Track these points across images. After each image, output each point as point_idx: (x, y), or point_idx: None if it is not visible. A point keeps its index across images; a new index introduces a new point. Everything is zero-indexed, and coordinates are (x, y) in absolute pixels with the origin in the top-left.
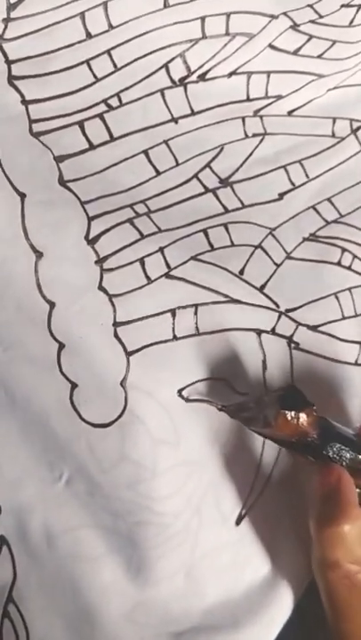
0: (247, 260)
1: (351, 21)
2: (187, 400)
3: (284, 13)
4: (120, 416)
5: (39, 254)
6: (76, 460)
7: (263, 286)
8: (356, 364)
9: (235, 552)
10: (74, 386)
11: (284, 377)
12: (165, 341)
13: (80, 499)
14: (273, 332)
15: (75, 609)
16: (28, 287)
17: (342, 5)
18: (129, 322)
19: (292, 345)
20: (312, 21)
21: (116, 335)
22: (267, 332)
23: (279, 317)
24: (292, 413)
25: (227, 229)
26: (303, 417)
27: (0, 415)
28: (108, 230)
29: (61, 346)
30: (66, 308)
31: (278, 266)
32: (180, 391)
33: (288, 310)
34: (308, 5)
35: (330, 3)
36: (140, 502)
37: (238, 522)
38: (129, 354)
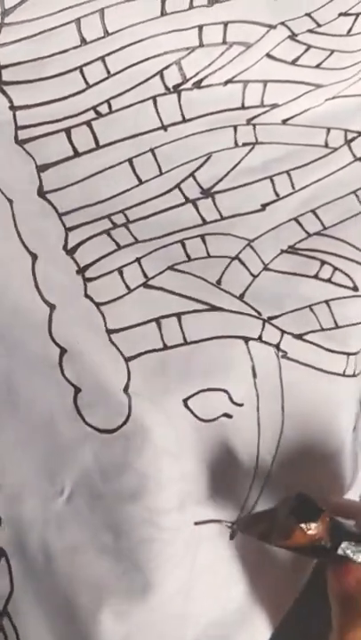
0: (223, 272)
1: (349, 30)
2: (196, 523)
3: (282, 23)
4: (125, 423)
5: (34, 255)
6: (80, 467)
7: (242, 295)
8: (344, 374)
9: (230, 567)
10: (77, 390)
11: (273, 386)
12: (157, 350)
13: (81, 516)
14: (260, 339)
15: (69, 630)
16: (27, 288)
17: (340, 14)
18: (120, 329)
19: (280, 353)
20: (310, 31)
21: (111, 341)
22: (254, 339)
23: (264, 325)
24: (309, 525)
25: (203, 241)
26: (318, 525)
27: (4, 418)
28: (84, 241)
29: (63, 351)
30: (65, 310)
31: (255, 277)
32: (185, 401)
33: (270, 318)
34: (307, 14)
35: (328, 11)
36: (143, 516)
37: (232, 536)
38: (127, 359)
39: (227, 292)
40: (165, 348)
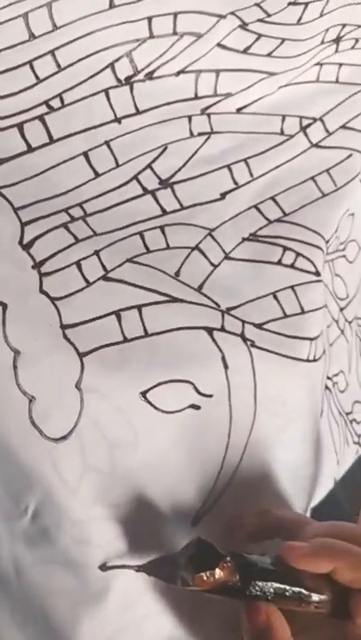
0: (182, 263)
1: (299, 19)
2: (105, 569)
3: (232, 13)
4: (77, 423)
5: None
6: (43, 485)
7: (200, 287)
8: (308, 360)
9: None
10: (31, 400)
11: (245, 376)
12: (116, 343)
13: (48, 534)
14: (223, 329)
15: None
16: None
17: (289, 3)
18: (76, 324)
19: (248, 342)
20: (260, 20)
21: (65, 337)
22: (217, 329)
23: (223, 316)
24: (208, 573)
25: (163, 232)
26: (219, 572)
27: None
28: (41, 235)
29: (17, 354)
30: (18, 308)
31: (215, 267)
32: (143, 394)
33: (229, 309)
34: (256, 4)
35: (277, 1)
36: (108, 515)
37: (195, 522)
38: (82, 355)
39: (185, 285)
40: (125, 340)
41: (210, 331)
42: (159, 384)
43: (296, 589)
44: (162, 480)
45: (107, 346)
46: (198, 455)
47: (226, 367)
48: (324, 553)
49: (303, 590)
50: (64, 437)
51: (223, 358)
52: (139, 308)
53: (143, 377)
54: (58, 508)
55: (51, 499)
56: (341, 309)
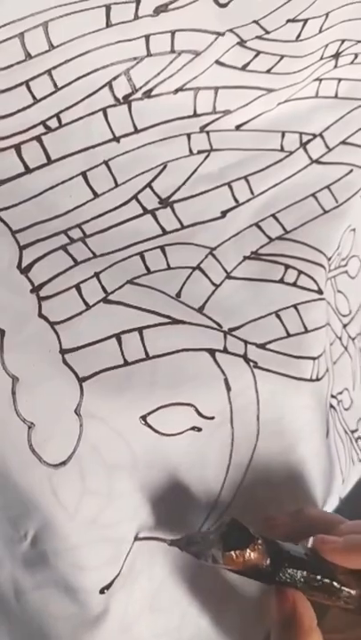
0: (183, 283)
1: (298, 36)
2: (137, 539)
3: (231, 30)
4: (76, 448)
5: None
6: (42, 511)
7: (202, 308)
8: (311, 379)
9: (193, 576)
10: (30, 427)
11: (248, 397)
12: (117, 367)
13: (47, 559)
14: (226, 350)
15: None
16: None
17: (288, 20)
18: (75, 349)
19: (251, 363)
20: (259, 37)
21: (65, 362)
22: (220, 350)
23: (225, 337)
24: (237, 552)
25: (163, 252)
26: (249, 553)
27: None
28: (40, 258)
29: (15, 380)
30: (16, 334)
31: (217, 286)
32: (143, 417)
33: (231, 329)
34: (254, 21)
35: (276, 18)
36: (103, 537)
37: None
38: (81, 380)
39: (186, 305)
40: (126, 364)
41: (212, 352)
42: (160, 407)
43: (327, 581)
44: (161, 501)
45: (107, 370)
46: (199, 476)
47: (228, 389)
48: (358, 549)
49: (334, 583)
50: (63, 463)
51: (226, 380)
52: (140, 330)
53: (144, 400)
54: (56, 534)
55: (49, 525)
56: (345, 326)
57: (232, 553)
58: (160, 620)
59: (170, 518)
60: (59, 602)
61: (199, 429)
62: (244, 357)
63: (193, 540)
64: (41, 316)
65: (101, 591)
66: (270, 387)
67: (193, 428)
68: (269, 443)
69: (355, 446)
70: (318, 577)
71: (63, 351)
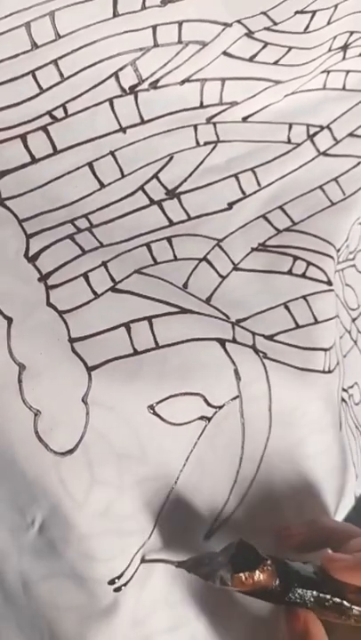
0: (190, 274)
1: (306, 27)
2: (143, 561)
3: (238, 21)
4: (82, 436)
5: None
6: (49, 499)
7: (209, 299)
8: (323, 371)
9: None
10: (37, 414)
11: (259, 389)
12: (126, 356)
13: (55, 547)
14: (235, 341)
15: None
16: None
17: (297, 12)
18: (84, 337)
19: (261, 354)
20: (267, 28)
21: (74, 351)
22: (229, 340)
23: (233, 327)
24: (247, 574)
25: (170, 243)
26: (258, 574)
27: None
28: (47, 247)
29: (22, 368)
30: (23, 321)
31: (224, 278)
32: (151, 407)
33: (238, 321)
34: (262, 12)
35: (284, 9)
36: (112, 529)
37: (208, 536)
38: (90, 369)
39: (194, 296)
40: (136, 353)
41: (222, 342)
42: (169, 397)
43: (337, 600)
44: (171, 493)
45: (117, 359)
46: (209, 468)
47: (238, 379)
48: None
49: (345, 602)
50: (70, 451)
51: (236, 370)
52: (149, 319)
53: (154, 390)
54: (64, 522)
55: (57, 512)
56: (353, 320)
57: (241, 575)
58: (176, 613)
59: (180, 514)
60: (67, 592)
61: (207, 419)
62: (253, 348)
63: (201, 562)
64: (49, 304)
65: (110, 582)
66: (282, 377)
67: (202, 418)
68: (282, 435)
69: None
70: (328, 596)
71: (72, 340)
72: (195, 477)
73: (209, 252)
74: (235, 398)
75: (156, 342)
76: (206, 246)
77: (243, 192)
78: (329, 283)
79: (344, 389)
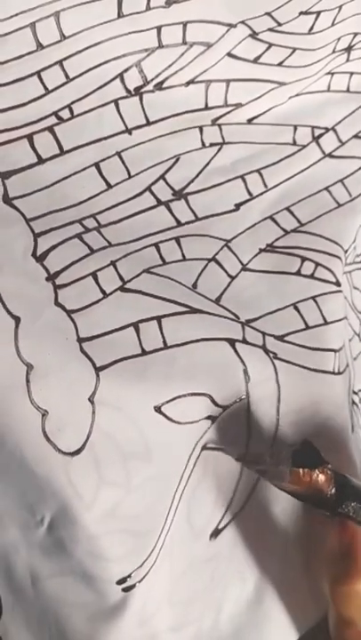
0: (199, 274)
1: (311, 28)
2: (205, 448)
3: (243, 22)
4: (89, 435)
5: None
6: (58, 499)
7: (218, 299)
8: (333, 372)
9: (212, 569)
10: (44, 415)
11: (268, 389)
12: (134, 356)
13: (64, 545)
14: (245, 341)
15: None
16: None
17: (301, 12)
18: (93, 337)
19: (271, 354)
20: (271, 29)
21: (82, 350)
22: (239, 340)
23: (243, 328)
24: (305, 471)
25: (178, 243)
26: (317, 474)
27: None
28: (55, 247)
29: (30, 368)
30: (32, 322)
31: (233, 278)
32: (158, 407)
33: (248, 321)
34: (267, 13)
35: (288, 10)
36: (121, 528)
37: (215, 535)
38: (98, 369)
39: (203, 296)
40: (144, 353)
41: (232, 342)
42: (176, 397)
43: None
44: (178, 491)
45: (125, 359)
46: (214, 466)
47: (248, 379)
48: None
49: None
50: (78, 451)
51: (245, 370)
52: (158, 319)
53: (161, 391)
54: (73, 522)
55: (66, 512)
56: None
57: (300, 470)
58: (179, 612)
59: (186, 512)
60: (75, 590)
61: (214, 418)
62: (264, 348)
63: (259, 458)
64: (57, 304)
65: (119, 582)
66: (291, 378)
67: (208, 418)
68: (290, 436)
69: None
70: None
71: (80, 340)
72: (199, 476)
73: (218, 253)
74: (242, 398)
75: (164, 342)
76: (215, 247)
77: (249, 193)
78: (338, 283)
79: (355, 392)
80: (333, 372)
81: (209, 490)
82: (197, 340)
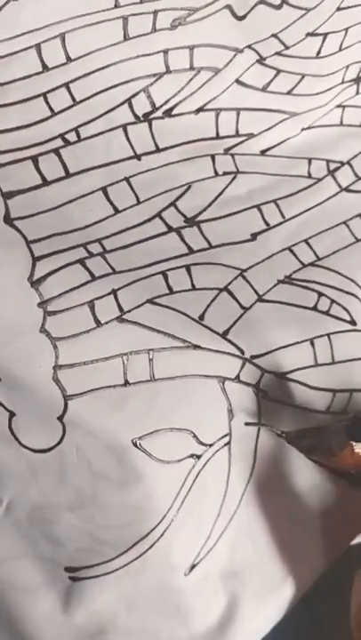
0: (209, 305)
1: (318, 52)
2: (246, 424)
3: (249, 46)
4: (59, 443)
5: None
6: (17, 483)
7: (227, 332)
8: (326, 412)
9: (179, 599)
10: (12, 414)
11: (249, 427)
12: (115, 386)
13: (20, 527)
14: (238, 379)
15: (11, 638)
16: None
17: (308, 34)
18: (72, 365)
19: (260, 394)
20: (278, 53)
21: (55, 378)
22: (231, 379)
23: (243, 364)
24: (359, 445)
25: (188, 271)
26: None
27: None
28: (55, 271)
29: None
30: (1, 348)
31: (246, 309)
32: (136, 440)
33: (253, 357)
34: (273, 35)
35: (295, 31)
36: (81, 526)
37: (188, 571)
38: (68, 397)
39: (209, 329)
40: (126, 384)
41: (222, 380)
42: (156, 431)
43: None
44: (149, 527)
45: (103, 388)
46: (193, 502)
47: (231, 417)
48: None
49: None
50: (43, 450)
51: (229, 409)
52: (151, 352)
53: (139, 423)
54: (31, 503)
55: (24, 494)
56: None
57: (353, 443)
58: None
59: (159, 544)
60: (27, 575)
61: (198, 457)
62: (255, 387)
63: (305, 435)
64: (42, 330)
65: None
66: (276, 416)
67: (192, 456)
68: (266, 472)
69: None
70: None
71: (57, 367)
72: (174, 511)
73: (231, 282)
74: (224, 436)
75: (152, 375)
76: (228, 276)
77: (266, 223)
78: (353, 322)
79: None
80: (326, 412)
81: (188, 527)
82: (186, 376)
